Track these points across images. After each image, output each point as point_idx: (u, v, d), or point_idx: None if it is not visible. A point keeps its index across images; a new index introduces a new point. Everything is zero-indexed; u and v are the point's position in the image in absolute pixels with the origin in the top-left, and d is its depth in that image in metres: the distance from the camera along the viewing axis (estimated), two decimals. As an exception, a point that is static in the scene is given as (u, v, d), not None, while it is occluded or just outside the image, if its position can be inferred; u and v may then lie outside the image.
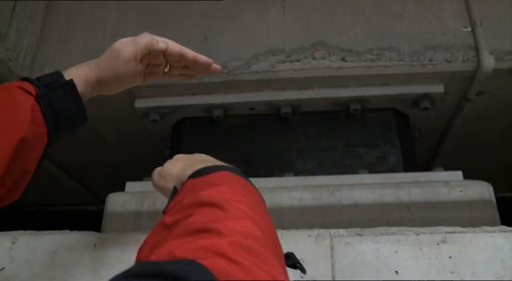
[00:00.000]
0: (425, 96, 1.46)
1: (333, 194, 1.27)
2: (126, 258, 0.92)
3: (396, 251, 0.91)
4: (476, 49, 1.40)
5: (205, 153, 1.58)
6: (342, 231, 0.94)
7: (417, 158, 1.62)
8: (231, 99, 1.52)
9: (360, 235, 0.93)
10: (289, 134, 1.54)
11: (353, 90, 1.48)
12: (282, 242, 0.95)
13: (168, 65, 0.87)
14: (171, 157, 1.66)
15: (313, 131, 1.54)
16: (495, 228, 0.93)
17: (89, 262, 0.93)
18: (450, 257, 0.89)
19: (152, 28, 1.56)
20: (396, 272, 0.89)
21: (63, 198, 2.28)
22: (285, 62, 1.46)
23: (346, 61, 1.44)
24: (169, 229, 0.53)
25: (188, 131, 1.59)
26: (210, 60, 0.89)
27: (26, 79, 0.73)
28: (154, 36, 0.82)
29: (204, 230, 0.48)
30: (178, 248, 0.44)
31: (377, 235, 0.93)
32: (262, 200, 0.65)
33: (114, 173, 1.97)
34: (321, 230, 0.95)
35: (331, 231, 0.94)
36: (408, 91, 1.46)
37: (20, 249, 0.96)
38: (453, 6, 1.48)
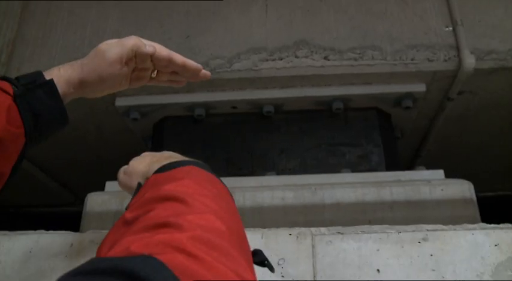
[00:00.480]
0: (408, 95, 1.46)
1: (315, 193, 1.27)
2: (103, 258, 0.90)
3: (378, 250, 0.90)
4: (458, 49, 1.41)
5: (188, 152, 1.56)
6: (323, 229, 0.93)
7: (400, 158, 1.62)
8: (213, 98, 1.51)
9: (342, 234, 0.92)
10: (272, 133, 1.53)
11: (336, 89, 1.48)
12: (263, 241, 0.95)
13: (156, 70, 0.84)
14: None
15: (296, 130, 1.53)
16: (475, 225, 0.94)
17: (65, 263, 0.91)
18: (431, 255, 0.89)
19: (133, 26, 1.54)
20: (378, 270, 0.88)
21: (42, 198, 2.24)
22: (267, 60, 1.45)
23: (328, 60, 1.44)
24: (129, 225, 0.50)
25: (170, 130, 1.57)
26: (200, 65, 0.85)
27: (4, 78, 0.70)
28: (142, 40, 0.79)
29: (165, 225, 0.46)
30: (135, 243, 0.42)
31: (358, 233, 0.92)
32: (231, 195, 0.63)
33: (94, 172, 1.93)
34: (302, 229, 0.94)
35: (313, 229, 0.93)
36: (390, 90, 1.46)
37: (-8, 250, 0.93)
38: (435, 6, 1.49)
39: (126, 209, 0.64)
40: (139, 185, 0.69)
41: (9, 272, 0.90)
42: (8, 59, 1.54)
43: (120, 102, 1.52)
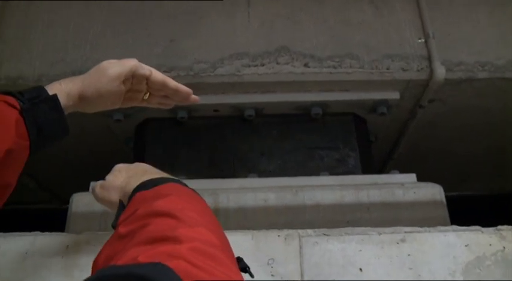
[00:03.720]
0: (383, 102, 1.54)
1: (297, 195, 1.33)
2: (99, 259, 0.93)
3: (360, 250, 0.97)
4: (429, 60, 1.50)
5: (171, 153, 1.59)
6: (310, 231, 0.99)
7: (374, 161, 1.70)
8: (196, 101, 1.55)
9: (327, 235, 0.98)
10: (253, 136, 1.59)
11: (315, 95, 1.55)
12: (252, 242, 1.00)
13: (148, 93, 0.89)
14: (135, 158, 1.65)
15: (276, 133, 1.59)
16: (448, 228, 1.01)
17: (62, 264, 0.93)
18: (409, 255, 0.96)
19: (118, 28, 1.56)
20: (360, 269, 0.95)
21: (15, 196, 2.21)
22: (249, 66, 1.50)
23: (308, 67, 1.50)
24: (124, 239, 0.55)
25: (153, 132, 1.60)
26: (190, 90, 0.90)
27: (9, 93, 0.73)
28: (141, 63, 0.84)
29: (163, 239, 0.50)
30: (141, 254, 0.47)
31: (342, 235, 0.99)
32: (209, 207, 0.68)
33: (71, 171, 1.94)
34: (290, 231, 0.99)
35: (300, 231, 0.99)
36: (367, 97, 1.54)
37: (-13, 252, 0.95)
38: (408, 18, 1.58)
39: (113, 226, 0.68)
40: (121, 202, 0.74)
41: (5, 273, 0.91)
42: (-13, 58, 1.53)
43: (104, 103, 1.53)
